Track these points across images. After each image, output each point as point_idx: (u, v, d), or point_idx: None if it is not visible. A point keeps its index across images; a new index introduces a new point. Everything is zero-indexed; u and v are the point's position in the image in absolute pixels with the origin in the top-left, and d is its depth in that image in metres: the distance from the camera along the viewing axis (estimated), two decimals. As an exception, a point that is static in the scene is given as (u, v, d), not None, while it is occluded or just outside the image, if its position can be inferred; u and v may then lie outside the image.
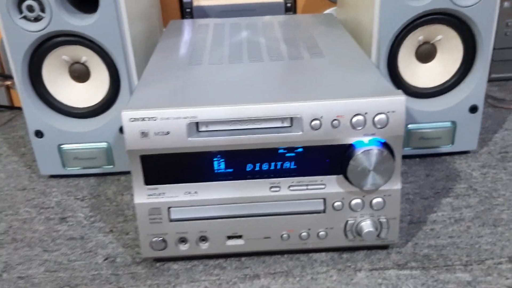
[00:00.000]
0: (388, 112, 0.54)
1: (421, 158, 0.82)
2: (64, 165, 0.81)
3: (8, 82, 1.05)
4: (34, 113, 0.77)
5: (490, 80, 1.09)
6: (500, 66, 1.08)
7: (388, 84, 0.58)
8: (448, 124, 0.79)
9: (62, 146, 0.79)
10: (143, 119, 0.54)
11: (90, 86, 0.77)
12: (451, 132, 0.79)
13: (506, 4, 1.00)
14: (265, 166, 0.57)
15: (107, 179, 0.81)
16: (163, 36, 0.86)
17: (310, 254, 0.62)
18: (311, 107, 0.54)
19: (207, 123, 0.55)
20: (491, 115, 0.96)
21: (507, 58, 1.07)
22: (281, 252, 0.62)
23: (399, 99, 0.54)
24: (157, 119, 0.54)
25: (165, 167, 0.57)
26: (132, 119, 0.54)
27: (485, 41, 0.74)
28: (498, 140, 0.87)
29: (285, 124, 0.56)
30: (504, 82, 1.09)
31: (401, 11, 0.72)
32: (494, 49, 1.05)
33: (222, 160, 0.57)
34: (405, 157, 0.82)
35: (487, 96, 1.03)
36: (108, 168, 0.81)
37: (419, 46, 0.76)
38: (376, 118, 0.55)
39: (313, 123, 0.55)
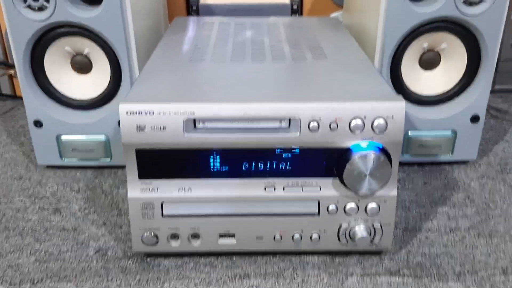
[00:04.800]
0: (387, 117, 0.54)
1: (419, 166, 0.81)
2: (61, 156, 0.80)
3: (11, 71, 1.05)
4: (34, 102, 0.77)
5: (494, 91, 1.08)
6: (505, 77, 1.07)
7: (389, 89, 0.58)
8: (448, 133, 0.79)
9: (60, 137, 0.79)
10: (140, 112, 0.54)
11: (91, 78, 0.77)
12: (451, 141, 0.79)
13: (513, 15, 1.00)
14: (261, 166, 0.57)
15: (104, 172, 0.81)
16: (167, 32, 0.85)
17: (303, 256, 0.61)
18: (309, 108, 0.54)
19: (204, 120, 0.55)
20: (493, 126, 0.95)
21: (512, 70, 1.06)
22: (274, 253, 0.62)
23: (399, 105, 0.54)
24: (154, 113, 0.54)
25: (160, 162, 0.56)
26: (129, 112, 0.54)
27: (490, 52, 0.74)
28: (499, 151, 0.86)
29: (283, 125, 0.55)
30: (508, 93, 1.09)
31: (406, 17, 0.72)
32: (499, 60, 1.05)
33: (217, 157, 0.56)
34: (403, 164, 0.81)
35: (490, 107, 1.02)
36: (106, 161, 0.81)
37: (423, 53, 0.76)
38: (375, 123, 0.54)
39: (311, 124, 0.54)
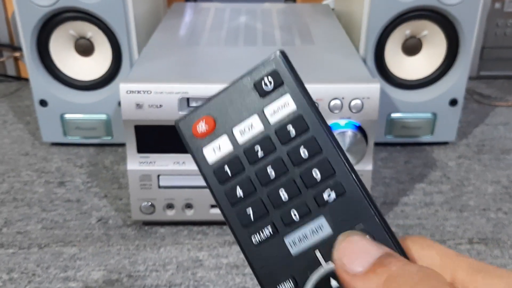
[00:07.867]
0: (363, 98, 0.59)
1: (402, 146, 0.87)
2: (65, 134, 0.86)
3: (17, 54, 1.10)
4: (40, 83, 0.82)
5: (479, 78, 1.13)
6: (489, 64, 1.12)
7: (366, 72, 0.63)
8: (429, 115, 0.84)
9: (64, 115, 0.84)
10: (138, 91, 0.59)
11: (93, 60, 0.82)
12: (431, 123, 0.84)
13: (496, 5, 1.04)
14: (249, 142, 0.62)
15: (105, 149, 0.86)
16: (166, 17, 0.90)
17: (287, 226, 0.67)
18: (293, 89, 0.59)
19: (197, 99, 0.60)
20: (475, 110, 1.00)
21: (496, 57, 1.11)
22: (260, 223, 0.67)
23: (374, 86, 0.59)
24: (152, 92, 0.59)
25: (157, 138, 0.61)
26: (129, 91, 0.59)
27: (467, 39, 0.78)
28: (478, 133, 0.91)
29: (269, 104, 0.60)
30: (492, 79, 1.13)
31: (390, 5, 0.76)
32: (484, 48, 1.10)
33: (209, 134, 0.61)
34: (387, 144, 0.86)
35: (474, 92, 1.07)
36: (107, 139, 0.86)
37: (406, 39, 0.81)
38: (352, 103, 0.59)
39: (294, 104, 0.59)
